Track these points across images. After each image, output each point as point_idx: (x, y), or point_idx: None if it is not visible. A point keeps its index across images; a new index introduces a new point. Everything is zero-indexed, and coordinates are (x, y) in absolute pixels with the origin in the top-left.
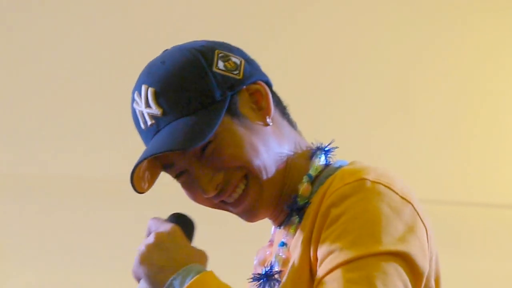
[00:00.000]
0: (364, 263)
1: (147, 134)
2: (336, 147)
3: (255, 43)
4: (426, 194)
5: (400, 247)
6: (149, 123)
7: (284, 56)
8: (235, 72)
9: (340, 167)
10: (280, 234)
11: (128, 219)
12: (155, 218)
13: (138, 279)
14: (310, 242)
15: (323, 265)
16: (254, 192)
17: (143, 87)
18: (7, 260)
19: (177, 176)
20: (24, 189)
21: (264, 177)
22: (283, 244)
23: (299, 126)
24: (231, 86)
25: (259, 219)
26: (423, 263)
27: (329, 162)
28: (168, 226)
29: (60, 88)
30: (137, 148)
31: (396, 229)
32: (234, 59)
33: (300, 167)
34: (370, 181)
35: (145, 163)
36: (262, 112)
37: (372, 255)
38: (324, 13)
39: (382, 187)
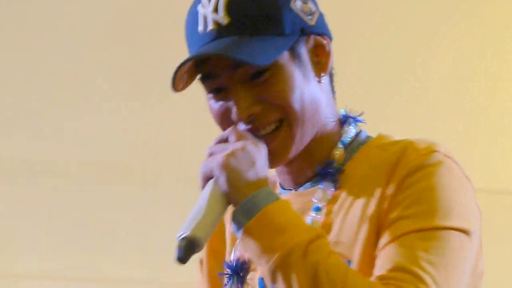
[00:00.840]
0: (436, 234)
1: (202, 38)
2: (364, 119)
3: None
4: None
5: (468, 226)
6: (209, 27)
7: None
8: (309, 17)
9: (368, 137)
10: (296, 198)
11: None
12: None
13: (207, 178)
14: (376, 211)
15: (391, 229)
16: (284, 135)
17: None
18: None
19: (213, 91)
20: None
21: (299, 127)
22: (318, 208)
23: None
24: (302, 28)
25: (282, 163)
26: (481, 241)
27: (358, 131)
28: (257, 141)
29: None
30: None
31: (466, 206)
32: (310, 4)
33: (332, 133)
34: (443, 154)
35: (189, 64)
36: (319, 67)
37: (444, 228)
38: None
39: (453, 162)
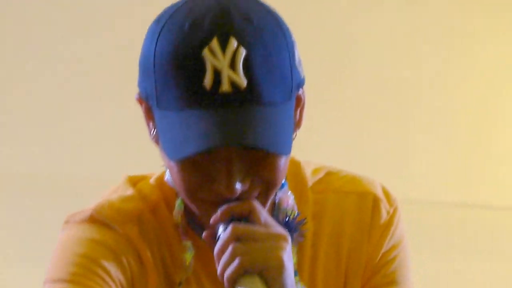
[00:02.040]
0: None
1: (211, 97)
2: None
3: None
4: (423, 195)
5: None
6: (224, 87)
7: None
8: (301, 68)
9: (307, 173)
10: None
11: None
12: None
13: (244, 271)
14: (355, 270)
15: None
16: (259, 200)
17: (232, 41)
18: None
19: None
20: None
21: (273, 194)
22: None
23: None
24: (298, 84)
25: None
26: None
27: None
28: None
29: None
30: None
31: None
32: (297, 50)
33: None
34: (397, 203)
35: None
36: (297, 124)
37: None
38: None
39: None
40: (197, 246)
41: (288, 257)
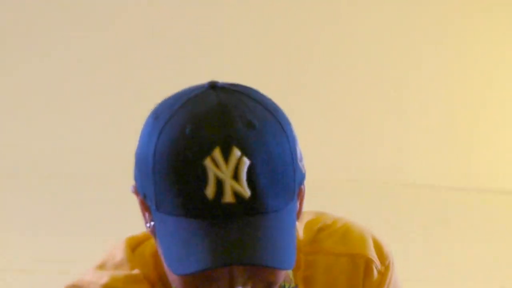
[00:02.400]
0: None
1: (212, 207)
2: None
3: None
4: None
5: None
6: (227, 199)
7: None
8: (302, 163)
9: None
10: None
11: None
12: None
13: None
14: None
15: None
16: None
17: (235, 151)
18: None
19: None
20: None
21: None
22: None
23: None
24: (300, 182)
25: None
26: None
27: None
28: None
29: None
30: None
31: None
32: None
33: None
34: (391, 262)
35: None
36: (298, 216)
37: None
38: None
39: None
40: None
41: None
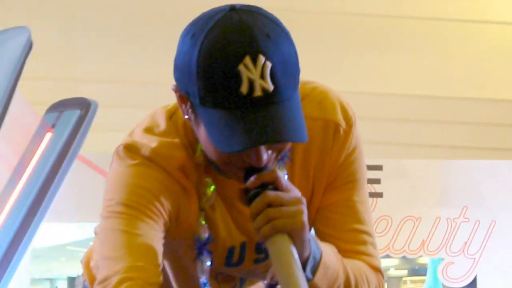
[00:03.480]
0: (365, 198)
1: (247, 101)
2: None
3: None
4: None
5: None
6: (257, 93)
7: None
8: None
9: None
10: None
11: None
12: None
13: (276, 232)
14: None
15: (338, 191)
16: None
17: (261, 57)
18: None
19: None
20: None
21: None
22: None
23: None
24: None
25: None
26: None
27: None
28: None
29: None
30: None
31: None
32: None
33: None
34: (355, 119)
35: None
36: None
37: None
38: None
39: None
40: (216, 180)
41: (306, 217)
